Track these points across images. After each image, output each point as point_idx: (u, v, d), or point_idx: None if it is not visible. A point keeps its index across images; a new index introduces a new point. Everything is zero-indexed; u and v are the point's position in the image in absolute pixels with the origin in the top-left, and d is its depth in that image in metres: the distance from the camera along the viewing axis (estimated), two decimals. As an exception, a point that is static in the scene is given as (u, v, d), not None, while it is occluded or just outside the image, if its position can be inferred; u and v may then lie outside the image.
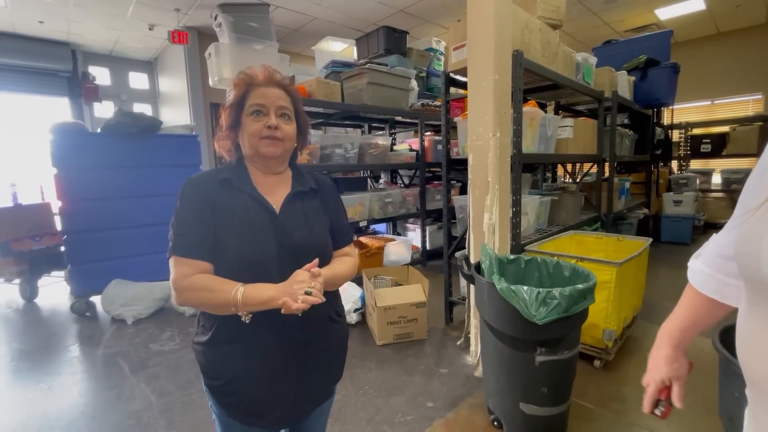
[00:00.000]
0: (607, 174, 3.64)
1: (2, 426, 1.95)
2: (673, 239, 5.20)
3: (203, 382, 0.96)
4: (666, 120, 5.76)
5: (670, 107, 5.35)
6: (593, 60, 3.25)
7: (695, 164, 6.61)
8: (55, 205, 3.53)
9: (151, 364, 2.51)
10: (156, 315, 3.36)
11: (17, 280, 3.86)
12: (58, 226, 3.73)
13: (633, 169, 5.35)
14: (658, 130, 5.21)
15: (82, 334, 3.06)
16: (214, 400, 0.95)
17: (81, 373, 2.45)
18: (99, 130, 3.49)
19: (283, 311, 0.80)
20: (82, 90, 6.54)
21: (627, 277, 2.25)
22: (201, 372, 0.95)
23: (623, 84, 3.94)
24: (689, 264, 0.76)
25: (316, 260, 0.89)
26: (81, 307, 3.44)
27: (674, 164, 6.42)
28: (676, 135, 6.24)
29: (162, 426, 1.89)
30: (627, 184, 4.45)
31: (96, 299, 3.45)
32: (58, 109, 6.57)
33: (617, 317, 2.17)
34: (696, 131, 6.40)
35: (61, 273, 4.04)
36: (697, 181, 5.81)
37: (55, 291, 4.11)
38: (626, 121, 4.98)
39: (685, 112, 7.14)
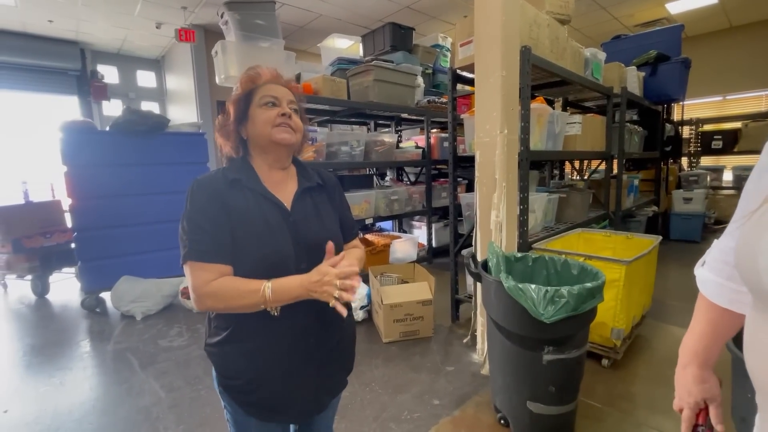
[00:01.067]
0: (615, 171, 3.59)
1: (16, 419, 1.99)
2: (682, 237, 5.14)
3: (217, 383, 0.95)
4: (676, 116, 5.67)
5: (681, 103, 5.26)
6: (602, 55, 3.21)
7: (706, 161, 6.51)
8: (66, 202, 3.58)
9: (160, 359, 2.54)
10: (164, 311, 3.39)
11: (29, 277, 3.92)
12: (69, 223, 3.79)
13: (642, 166, 5.28)
14: (668, 126, 5.13)
15: (93, 329, 3.10)
16: (231, 400, 0.94)
17: (92, 368, 2.49)
18: (108, 128, 3.53)
19: (330, 304, 0.82)
20: (90, 88, 6.61)
21: (636, 276, 2.22)
22: (216, 373, 0.94)
23: (633, 80, 3.88)
24: (696, 273, 0.72)
25: (333, 247, 0.90)
26: (91, 303, 3.49)
27: (684, 161, 6.32)
28: (686, 131, 6.14)
29: (171, 421, 1.91)
30: (636, 182, 4.40)
31: (106, 295, 3.50)
32: (68, 107, 6.65)
33: (626, 316, 2.14)
34: (707, 127, 6.29)
35: (72, 269, 4.10)
36: (708, 178, 5.72)
37: (66, 287, 4.18)
38: (635, 117, 4.91)
39: (695, 108, 7.02)
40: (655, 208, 4.90)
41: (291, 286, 0.84)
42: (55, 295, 3.96)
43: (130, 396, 2.15)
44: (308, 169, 1.05)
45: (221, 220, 0.86)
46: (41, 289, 3.92)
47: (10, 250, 3.78)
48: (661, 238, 2.54)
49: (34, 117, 6.41)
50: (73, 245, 3.70)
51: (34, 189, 4.27)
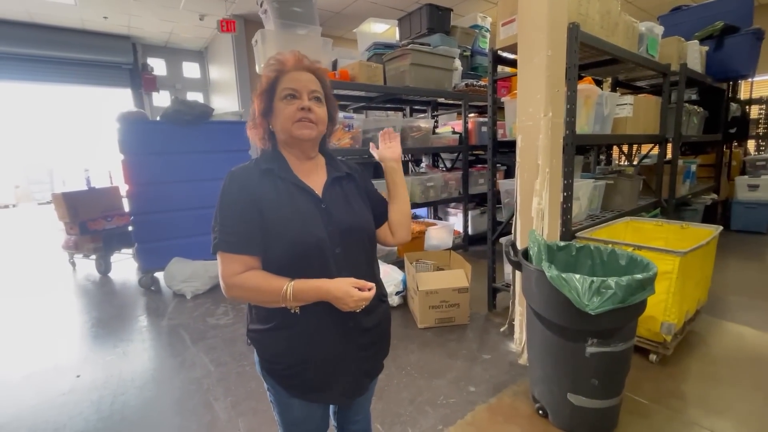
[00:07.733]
0: (669, 156, 3.34)
1: (87, 384, 2.22)
2: (745, 228, 4.72)
3: (260, 366, 0.99)
4: (743, 94, 5.14)
5: (750, 80, 4.75)
6: (659, 29, 2.95)
7: (777, 144, 5.88)
8: (123, 188, 3.86)
9: (209, 336, 2.71)
10: (211, 291, 3.61)
11: (93, 256, 4.30)
12: (126, 208, 4.09)
13: (701, 150, 4.87)
14: (734, 105, 4.67)
15: (149, 306, 3.36)
16: (274, 382, 0.98)
17: (149, 341, 2.71)
18: (158, 118, 3.73)
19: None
20: (142, 80, 7.01)
21: (691, 268, 2.08)
22: (259, 357, 0.98)
23: (694, 55, 3.55)
24: None
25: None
26: (147, 281, 3.77)
27: (751, 144, 5.74)
28: (755, 111, 5.55)
29: (220, 393, 2.05)
30: (693, 167, 4.07)
31: (159, 275, 3.77)
32: (122, 99, 7.10)
33: (678, 310, 2.02)
34: (780, 106, 5.66)
35: (130, 250, 4.44)
36: (779, 163, 5.17)
37: (125, 266, 4.54)
38: (695, 96, 4.51)
39: (767, 85, 6.32)
40: (714, 195, 4.52)
41: (310, 294, 0.87)
42: (116, 274, 4.32)
43: (183, 368, 2.32)
44: (336, 159, 1.06)
45: (251, 213, 0.88)
46: (104, 267, 4.29)
47: (78, 232, 4.16)
48: (721, 228, 2.35)
49: (93, 109, 6.91)
50: (130, 228, 4.00)
51: (95, 176, 4.63)
